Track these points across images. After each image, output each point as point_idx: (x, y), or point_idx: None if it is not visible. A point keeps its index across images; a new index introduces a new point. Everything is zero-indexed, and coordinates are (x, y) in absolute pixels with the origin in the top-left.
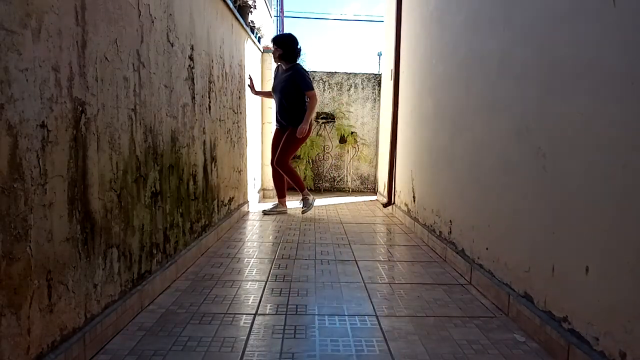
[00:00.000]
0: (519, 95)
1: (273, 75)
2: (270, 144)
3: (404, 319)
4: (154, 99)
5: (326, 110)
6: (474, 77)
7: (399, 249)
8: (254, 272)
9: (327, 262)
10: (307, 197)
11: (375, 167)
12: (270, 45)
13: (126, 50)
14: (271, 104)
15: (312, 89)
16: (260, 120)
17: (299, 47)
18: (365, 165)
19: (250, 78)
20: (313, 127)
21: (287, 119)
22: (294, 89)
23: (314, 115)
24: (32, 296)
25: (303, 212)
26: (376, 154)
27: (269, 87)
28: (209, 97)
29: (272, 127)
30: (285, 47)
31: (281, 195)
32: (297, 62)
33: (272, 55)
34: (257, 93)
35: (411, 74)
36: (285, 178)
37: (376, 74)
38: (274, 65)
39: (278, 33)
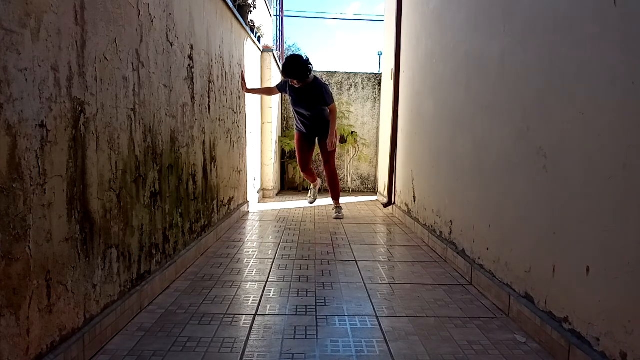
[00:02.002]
0: (519, 94)
1: (284, 87)
2: (269, 145)
3: (404, 320)
4: (154, 98)
5: None
6: (474, 76)
7: (399, 249)
8: (254, 272)
9: (327, 263)
10: (340, 207)
11: (376, 167)
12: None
13: (125, 49)
14: (271, 103)
15: (334, 101)
16: (260, 120)
17: (308, 62)
18: (365, 165)
19: (243, 74)
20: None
21: (316, 129)
22: (319, 101)
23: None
24: (31, 296)
25: (336, 218)
26: (376, 154)
27: (268, 86)
28: (209, 97)
29: (271, 127)
30: (301, 72)
31: (313, 180)
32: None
33: (292, 83)
34: (248, 91)
35: (411, 73)
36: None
37: (376, 74)
38: (274, 65)
39: (280, 58)
